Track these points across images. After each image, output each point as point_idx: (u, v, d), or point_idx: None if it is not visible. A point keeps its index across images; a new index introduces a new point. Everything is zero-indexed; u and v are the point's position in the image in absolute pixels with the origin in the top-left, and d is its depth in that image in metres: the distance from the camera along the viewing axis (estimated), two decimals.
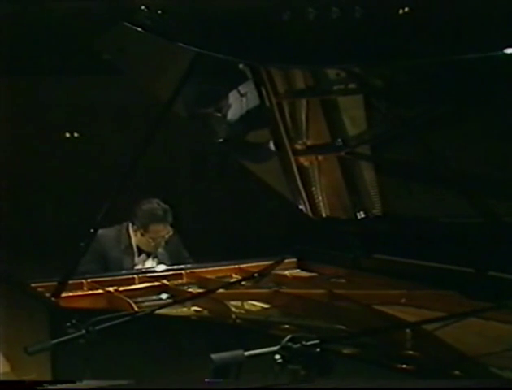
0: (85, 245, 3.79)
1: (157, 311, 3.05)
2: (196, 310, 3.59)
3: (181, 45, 3.18)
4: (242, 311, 3.56)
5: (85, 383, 2.74)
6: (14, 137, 7.86)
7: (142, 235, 4.58)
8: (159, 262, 4.66)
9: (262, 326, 3.32)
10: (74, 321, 2.82)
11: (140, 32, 3.30)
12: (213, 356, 2.17)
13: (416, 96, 3.64)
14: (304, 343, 2.20)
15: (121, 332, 2.91)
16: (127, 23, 3.34)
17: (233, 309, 3.46)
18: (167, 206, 4.61)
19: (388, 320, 3.21)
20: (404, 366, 2.65)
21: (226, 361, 2.19)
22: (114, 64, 3.89)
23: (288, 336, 2.19)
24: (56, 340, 2.70)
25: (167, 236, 4.60)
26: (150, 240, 4.57)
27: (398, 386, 2.11)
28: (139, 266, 4.60)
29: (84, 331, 2.72)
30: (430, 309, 3.47)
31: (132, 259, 4.62)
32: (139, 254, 4.65)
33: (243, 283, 3.78)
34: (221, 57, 3.30)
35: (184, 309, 3.59)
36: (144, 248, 4.64)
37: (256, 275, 3.61)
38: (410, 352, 2.82)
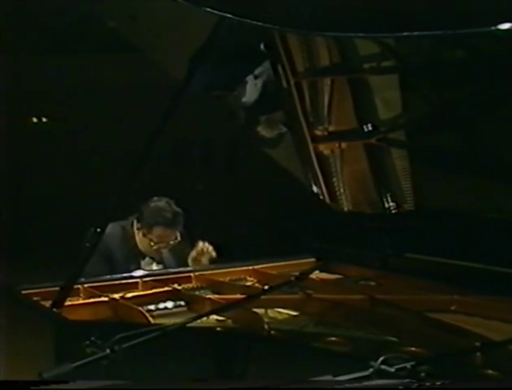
0: (89, 246, 3.24)
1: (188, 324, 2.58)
2: (217, 320, 3.10)
3: (208, 9, 2.67)
4: (272, 320, 3.09)
5: (86, 383, 2.34)
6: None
7: (144, 235, 4.02)
8: (165, 267, 4.09)
9: (304, 338, 2.87)
10: (93, 338, 2.41)
11: None
12: None
13: (461, 75, 3.22)
14: (401, 366, 1.94)
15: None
16: None
17: (264, 318, 3.00)
18: (178, 210, 4.02)
19: (448, 330, 2.80)
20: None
21: None
22: (122, 34, 3.37)
23: (381, 358, 1.95)
24: (76, 363, 2.22)
25: (172, 243, 4.05)
26: (152, 243, 4.01)
27: (400, 386, 1.96)
28: (144, 270, 4.02)
29: (108, 351, 2.26)
30: (484, 317, 3.07)
31: (138, 261, 4.06)
32: (144, 257, 4.10)
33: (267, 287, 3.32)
34: (247, 22, 2.80)
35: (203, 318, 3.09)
36: (143, 249, 4.08)
37: (293, 278, 3.14)
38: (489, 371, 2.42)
